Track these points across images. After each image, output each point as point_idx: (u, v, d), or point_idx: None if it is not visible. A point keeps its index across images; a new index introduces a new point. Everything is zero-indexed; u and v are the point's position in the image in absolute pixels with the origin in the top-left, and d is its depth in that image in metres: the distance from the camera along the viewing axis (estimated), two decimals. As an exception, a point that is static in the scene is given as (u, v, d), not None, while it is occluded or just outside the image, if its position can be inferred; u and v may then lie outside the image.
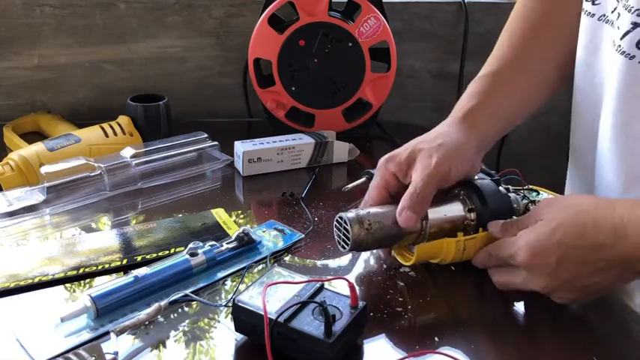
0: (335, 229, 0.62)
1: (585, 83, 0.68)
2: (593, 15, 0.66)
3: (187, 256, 0.63)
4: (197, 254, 0.63)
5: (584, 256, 0.55)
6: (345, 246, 0.60)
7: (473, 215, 0.64)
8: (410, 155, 0.64)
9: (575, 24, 0.69)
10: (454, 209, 0.64)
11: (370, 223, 0.60)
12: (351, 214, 0.60)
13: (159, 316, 0.56)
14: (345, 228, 0.60)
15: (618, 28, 0.61)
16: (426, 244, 0.62)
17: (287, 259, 0.68)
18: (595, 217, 0.55)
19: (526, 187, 0.70)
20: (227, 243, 0.66)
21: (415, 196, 0.60)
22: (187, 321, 0.57)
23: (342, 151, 0.92)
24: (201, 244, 0.65)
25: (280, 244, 0.69)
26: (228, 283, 0.63)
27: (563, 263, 0.55)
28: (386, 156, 0.66)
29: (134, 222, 0.75)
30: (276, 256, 0.68)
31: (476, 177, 0.73)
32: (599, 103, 0.65)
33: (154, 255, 0.66)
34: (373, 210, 0.61)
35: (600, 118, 0.65)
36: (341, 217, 0.61)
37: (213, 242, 0.65)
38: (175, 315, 0.58)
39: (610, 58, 0.63)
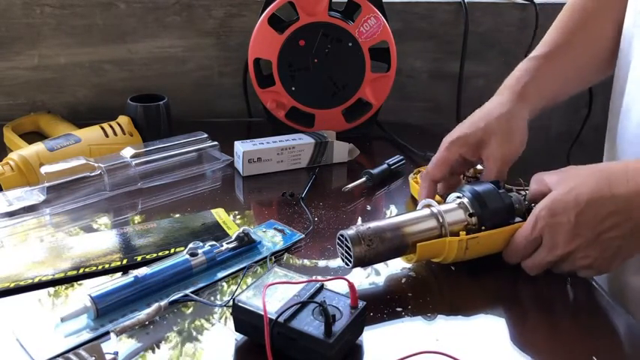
0: (337, 246, 0.61)
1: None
2: None
3: (187, 256, 0.63)
4: (197, 254, 0.63)
5: (600, 209, 0.58)
6: (349, 262, 0.60)
7: (474, 220, 0.64)
8: (481, 139, 0.71)
9: (621, 21, 0.75)
10: (455, 216, 0.64)
11: (371, 239, 0.60)
12: (351, 231, 0.60)
13: (159, 316, 0.56)
14: (346, 245, 0.60)
15: None
16: (428, 242, 0.62)
17: (287, 259, 0.68)
18: (608, 173, 0.59)
19: (528, 187, 0.70)
20: (227, 243, 0.66)
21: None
22: (187, 321, 0.57)
23: (342, 151, 0.92)
24: (201, 244, 0.65)
25: (280, 244, 0.69)
26: (228, 283, 0.63)
27: (581, 218, 0.58)
28: (452, 137, 0.73)
29: (134, 222, 0.75)
30: (276, 256, 0.68)
31: (480, 177, 0.73)
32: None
33: (154, 255, 0.66)
34: (373, 225, 0.61)
35: None
36: (342, 235, 0.60)
37: (213, 242, 0.65)
38: (175, 315, 0.58)
39: None
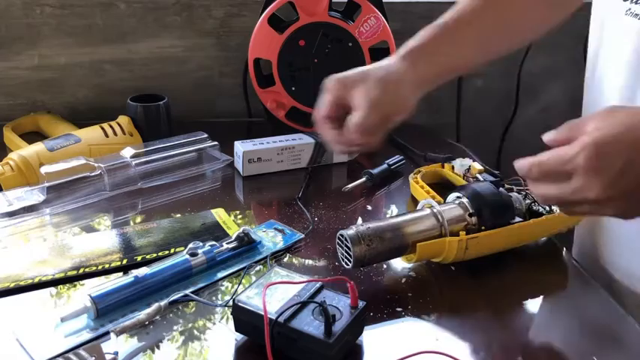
0: (337, 246, 0.62)
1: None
2: None
3: (187, 256, 0.63)
4: (197, 254, 0.63)
5: None
6: (349, 262, 0.60)
7: (474, 220, 0.64)
8: (355, 82, 0.67)
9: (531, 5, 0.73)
10: (455, 216, 0.64)
11: (371, 238, 0.60)
12: (351, 231, 0.60)
13: (158, 316, 0.56)
14: (346, 245, 0.60)
15: None
16: (428, 242, 0.62)
17: (287, 259, 0.68)
18: None
19: (529, 187, 0.70)
20: (227, 243, 0.66)
21: (358, 127, 0.64)
22: (187, 321, 0.57)
23: (342, 151, 0.92)
24: (201, 244, 0.65)
25: (280, 244, 0.69)
26: (228, 283, 0.63)
27: (628, 168, 0.49)
28: (337, 76, 0.68)
29: (134, 222, 0.75)
30: (276, 256, 0.68)
31: (480, 177, 0.73)
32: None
33: (154, 255, 0.66)
34: (373, 225, 0.61)
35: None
36: (342, 235, 0.60)
37: (213, 242, 0.65)
38: (175, 315, 0.58)
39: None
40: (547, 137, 0.56)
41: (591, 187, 0.50)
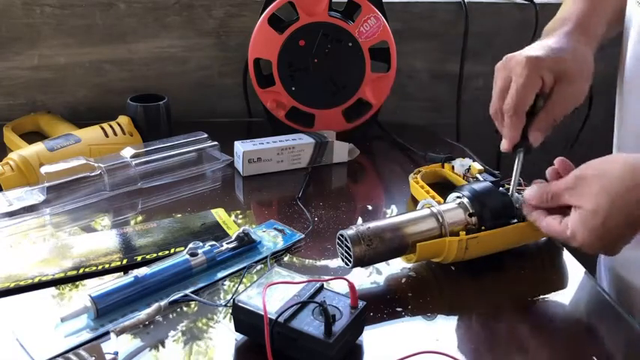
0: (337, 245, 0.62)
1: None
2: None
3: (187, 256, 0.63)
4: (197, 254, 0.63)
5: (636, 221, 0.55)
6: (349, 262, 0.60)
7: (474, 220, 0.64)
8: (563, 70, 0.65)
9: None
10: (455, 216, 0.64)
11: (371, 238, 0.60)
12: (351, 231, 0.60)
13: (159, 316, 0.56)
14: (346, 245, 0.60)
15: None
16: (428, 242, 0.62)
17: (287, 259, 0.68)
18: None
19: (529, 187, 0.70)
20: (227, 243, 0.66)
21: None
22: (187, 321, 0.57)
23: (342, 151, 0.92)
24: (201, 244, 0.65)
25: (280, 244, 0.69)
26: (228, 283, 0.63)
27: (622, 239, 0.56)
28: (534, 55, 0.65)
29: (134, 222, 0.75)
30: (276, 256, 0.68)
31: (480, 177, 0.73)
32: None
33: (154, 255, 0.66)
34: (373, 225, 0.61)
35: None
36: (342, 235, 0.60)
37: (213, 242, 0.65)
38: (175, 315, 0.58)
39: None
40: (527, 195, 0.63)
41: (586, 248, 0.58)
